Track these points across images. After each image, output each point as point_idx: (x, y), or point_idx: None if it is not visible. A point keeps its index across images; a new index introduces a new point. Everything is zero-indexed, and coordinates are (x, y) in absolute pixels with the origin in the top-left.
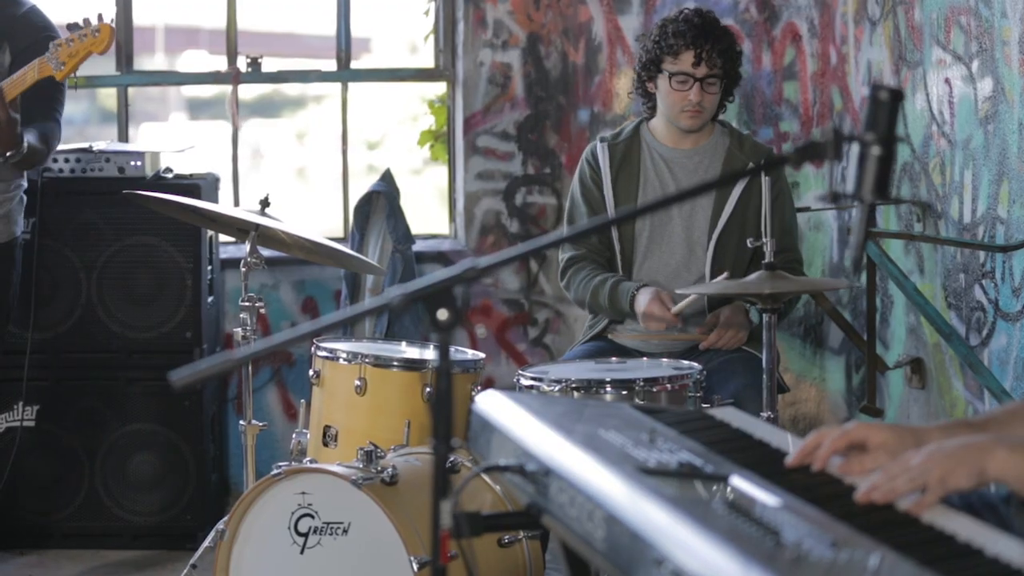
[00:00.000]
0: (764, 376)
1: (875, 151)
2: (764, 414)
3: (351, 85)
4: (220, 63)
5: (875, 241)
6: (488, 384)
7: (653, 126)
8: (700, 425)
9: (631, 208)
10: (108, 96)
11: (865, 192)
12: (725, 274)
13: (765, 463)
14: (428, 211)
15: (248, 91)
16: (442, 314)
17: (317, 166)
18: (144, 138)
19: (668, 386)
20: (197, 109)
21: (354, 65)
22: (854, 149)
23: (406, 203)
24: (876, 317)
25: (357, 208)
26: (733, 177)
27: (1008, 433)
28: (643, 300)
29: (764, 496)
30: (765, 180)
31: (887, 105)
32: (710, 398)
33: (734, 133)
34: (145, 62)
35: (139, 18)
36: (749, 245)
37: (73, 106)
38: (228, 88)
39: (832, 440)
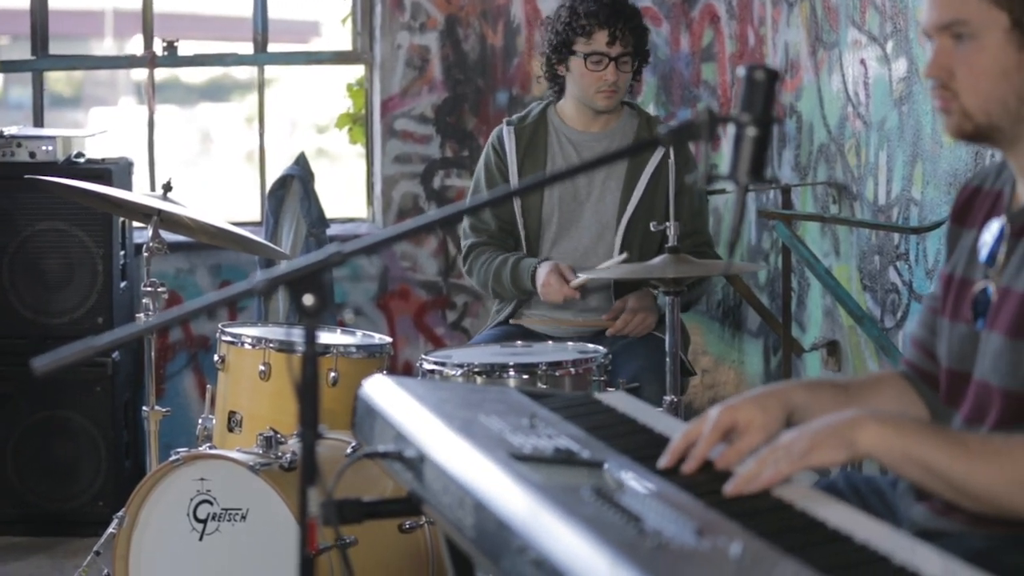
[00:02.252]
0: (667, 359)
1: (751, 132)
2: (667, 398)
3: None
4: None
5: (788, 224)
6: (406, 370)
7: (561, 109)
8: (585, 410)
9: (529, 180)
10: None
11: (741, 174)
12: (623, 255)
13: (645, 449)
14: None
15: (197, 75)
16: (308, 299)
17: (267, 150)
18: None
19: (572, 370)
20: (144, 93)
21: (272, 48)
22: (730, 130)
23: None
24: (792, 300)
25: (271, 192)
26: (616, 156)
27: (869, 399)
28: (542, 272)
29: (636, 483)
30: (672, 164)
31: (763, 86)
32: (615, 382)
33: (642, 115)
34: (95, 47)
35: (89, 3)
36: (652, 229)
37: (22, 90)
38: (181, 71)
39: (705, 441)
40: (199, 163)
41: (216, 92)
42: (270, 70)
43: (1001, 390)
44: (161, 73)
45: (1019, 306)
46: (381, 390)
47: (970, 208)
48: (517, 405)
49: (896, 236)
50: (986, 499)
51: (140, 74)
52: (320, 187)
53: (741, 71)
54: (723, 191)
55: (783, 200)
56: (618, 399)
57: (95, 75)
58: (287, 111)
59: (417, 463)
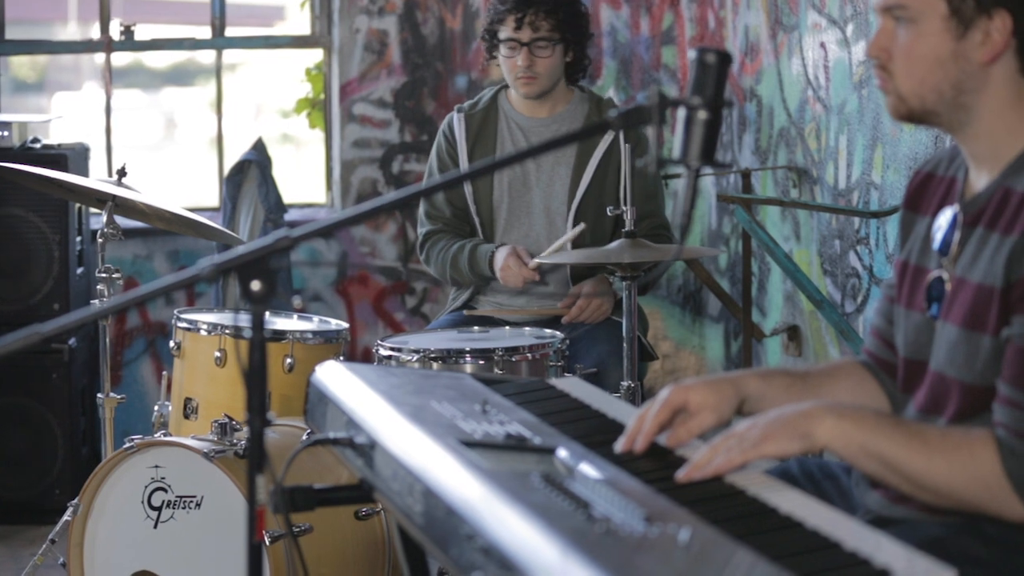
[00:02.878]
0: (624, 344)
1: (701, 115)
2: (624, 383)
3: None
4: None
5: (748, 208)
6: (365, 355)
7: (510, 95)
8: (538, 396)
9: (476, 165)
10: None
11: (692, 157)
12: (581, 226)
13: (597, 435)
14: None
15: (161, 60)
16: (255, 285)
17: (231, 135)
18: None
19: (529, 355)
20: (113, 77)
21: (230, 33)
22: (681, 113)
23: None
24: (753, 284)
25: (228, 178)
26: (564, 140)
27: (826, 388)
28: (500, 256)
29: (586, 469)
30: (625, 147)
31: (714, 68)
32: (572, 367)
33: (593, 99)
34: (59, 31)
35: None
36: (608, 213)
37: None
38: (146, 56)
39: (654, 417)
40: (163, 148)
41: (180, 77)
42: (236, 55)
43: (958, 383)
44: (124, 58)
45: (974, 297)
46: (333, 376)
47: (923, 194)
48: (470, 391)
49: (856, 220)
50: (945, 493)
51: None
52: (283, 173)
53: (692, 54)
54: (676, 176)
55: (743, 184)
56: (572, 385)
57: (59, 60)
58: (252, 96)
59: (368, 450)
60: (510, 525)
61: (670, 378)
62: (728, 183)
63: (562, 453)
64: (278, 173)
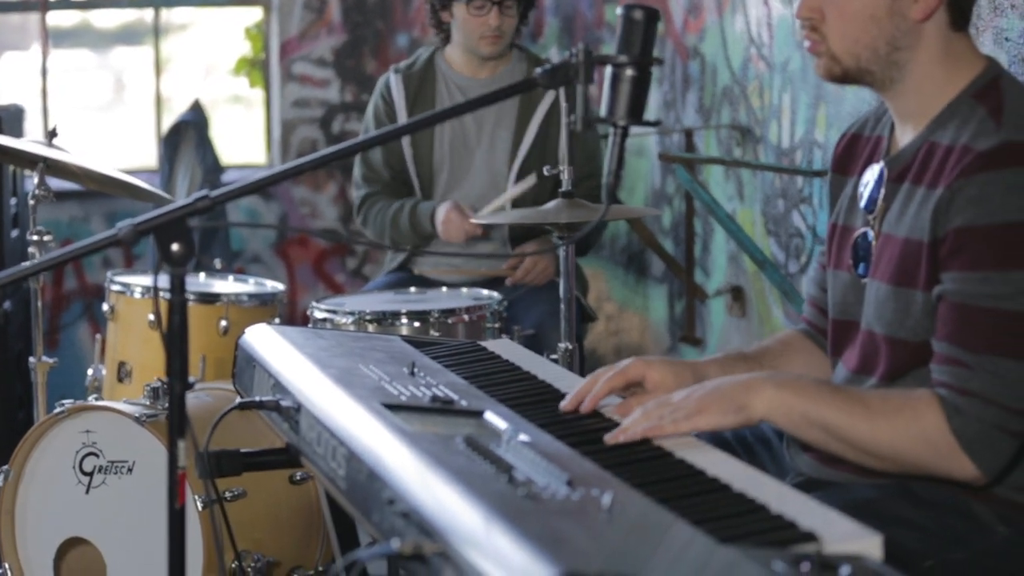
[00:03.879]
0: (562, 306)
1: (628, 73)
2: (562, 345)
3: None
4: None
5: (690, 168)
6: (305, 318)
7: (448, 55)
8: (469, 358)
9: (414, 121)
10: None
11: (618, 115)
12: (532, 179)
13: (526, 398)
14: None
15: (109, 19)
16: (174, 247)
17: (181, 96)
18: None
19: (465, 317)
20: (59, 39)
21: None
22: (608, 71)
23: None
24: (697, 244)
25: (166, 139)
26: (491, 99)
27: (782, 365)
28: (442, 211)
29: (512, 432)
30: (565, 107)
31: (641, 25)
32: (511, 329)
33: (532, 58)
34: None
35: None
36: (545, 173)
37: None
38: (94, 16)
39: (607, 380)
40: (111, 109)
41: (129, 37)
42: (186, 14)
43: (889, 340)
44: (72, 18)
45: (901, 252)
46: (261, 339)
47: (851, 155)
48: (399, 354)
49: (800, 179)
50: (890, 457)
51: (53, 19)
52: (230, 133)
53: (619, 10)
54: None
55: (686, 143)
56: (504, 347)
57: (8, 21)
58: (201, 56)
59: (293, 413)
60: (430, 489)
61: (614, 340)
62: (671, 142)
63: (489, 416)
64: (224, 134)
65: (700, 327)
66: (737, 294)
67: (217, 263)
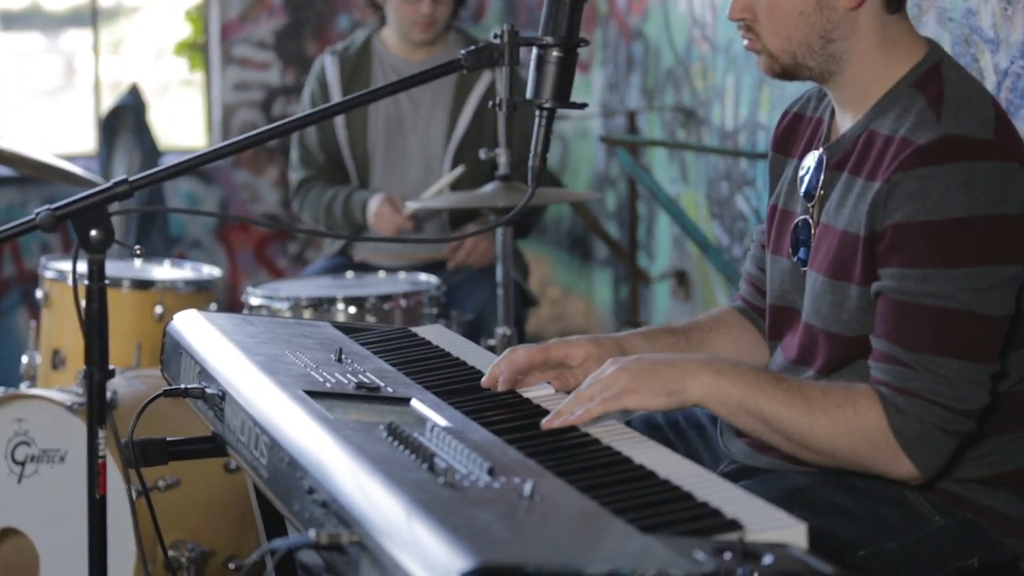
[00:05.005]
0: (500, 290)
1: (554, 55)
2: (500, 330)
3: None
4: None
5: (633, 150)
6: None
7: (384, 37)
8: (399, 344)
9: (345, 100)
10: None
11: (544, 97)
12: (460, 169)
13: (455, 384)
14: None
15: (59, 2)
16: (93, 232)
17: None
18: None
19: (403, 303)
20: (8, 22)
21: None
22: (534, 52)
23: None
24: (641, 228)
25: (104, 123)
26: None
27: (711, 341)
28: (374, 204)
29: (436, 420)
30: (501, 89)
31: (567, 6)
32: (449, 314)
33: (469, 40)
34: None
35: None
36: (482, 157)
37: None
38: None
39: (527, 353)
40: (62, 93)
41: (82, 20)
42: None
43: (825, 333)
44: (22, 1)
45: (839, 245)
46: (190, 325)
47: (791, 136)
48: (329, 340)
49: (744, 162)
50: (828, 452)
51: (2, 2)
52: (175, 117)
53: None
54: (566, 116)
55: (629, 125)
56: (435, 332)
57: None
58: (152, 39)
59: (218, 401)
60: (348, 477)
61: (558, 324)
62: (615, 124)
63: (415, 403)
64: (168, 118)
65: (645, 311)
66: (681, 278)
67: (137, 249)
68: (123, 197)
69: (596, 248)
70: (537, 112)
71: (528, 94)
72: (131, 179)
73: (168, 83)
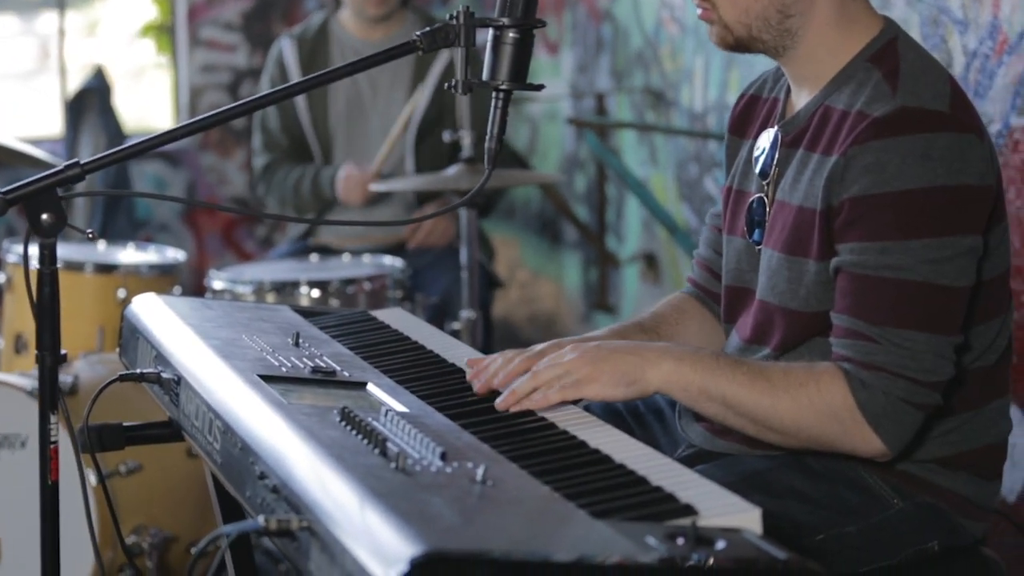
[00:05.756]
0: (463, 273)
1: (510, 36)
2: (464, 313)
3: None
4: None
5: (601, 132)
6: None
7: (342, 19)
8: (357, 328)
9: (302, 81)
10: None
11: (500, 79)
12: (410, 106)
13: (412, 369)
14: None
15: None
16: (45, 216)
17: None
18: None
19: (366, 286)
20: None
21: None
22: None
23: None
24: (610, 210)
25: (69, 106)
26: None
27: (679, 334)
28: (342, 172)
29: (392, 404)
30: (462, 69)
31: None
32: (414, 297)
33: (426, 19)
34: None
35: None
36: (445, 139)
37: None
38: None
39: (525, 362)
40: (38, 76)
41: (56, 2)
42: None
43: (782, 310)
44: None
45: (795, 220)
46: (148, 309)
47: (747, 118)
48: (287, 324)
49: (713, 144)
50: (793, 432)
51: None
52: (150, 100)
53: None
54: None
55: (598, 107)
56: (395, 316)
57: None
58: (127, 21)
59: (174, 385)
60: (298, 462)
61: (527, 307)
62: (585, 107)
63: (371, 388)
64: (142, 101)
65: (614, 294)
66: (650, 261)
67: (89, 233)
68: (74, 180)
69: (565, 231)
70: (493, 94)
71: (484, 76)
72: (83, 162)
73: (144, 66)
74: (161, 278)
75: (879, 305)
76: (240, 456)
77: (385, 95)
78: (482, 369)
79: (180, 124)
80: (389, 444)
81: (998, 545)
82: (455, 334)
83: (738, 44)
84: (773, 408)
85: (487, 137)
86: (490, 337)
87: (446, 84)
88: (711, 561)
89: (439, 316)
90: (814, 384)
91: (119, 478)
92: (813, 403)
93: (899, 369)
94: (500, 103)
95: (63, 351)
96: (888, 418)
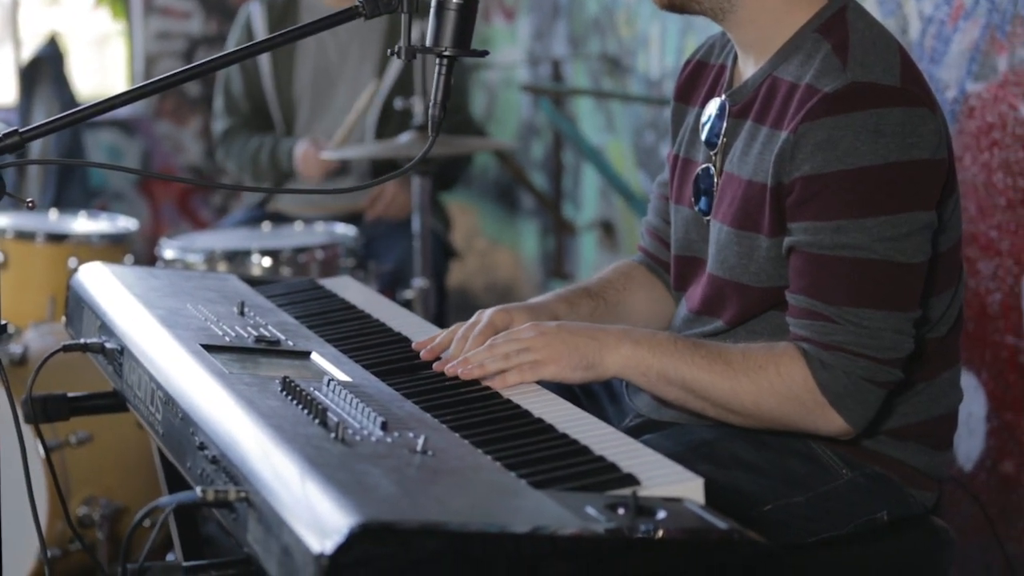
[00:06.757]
0: (416, 242)
1: (454, 2)
2: (417, 282)
3: None
4: None
5: (557, 99)
6: None
7: None
8: (304, 297)
9: (251, 46)
10: None
11: (443, 45)
12: (371, 87)
13: (358, 338)
14: None
15: None
16: None
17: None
18: None
19: (318, 254)
20: None
21: None
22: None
23: None
24: (568, 177)
25: (23, 74)
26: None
27: (626, 300)
28: (300, 148)
29: (335, 374)
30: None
31: None
32: (367, 265)
33: None
34: None
35: None
36: (397, 107)
37: None
38: None
39: (475, 339)
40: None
41: None
42: None
43: (734, 284)
44: None
45: (743, 194)
46: (94, 279)
47: (694, 84)
48: (233, 293)
49: (669, 110)
50: (754, 414)
51: None
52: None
53: None
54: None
55: (555, 74)
56: (342, 285)
57: None
58: None
59: (117, 355)
60: (237, 433)
61: (485, 276)
62: (542, 73)
63: (315, 357)
64: (101, 69)
65: (571, 262)
66: (608, 228)
67: (29, 202)
68: (13, 149)
69: (522, 199)
70: (437, 60)
71: (428, 42)
72: (21, 130)
73: (107, 34)
74: (113, 247)
75: (836, 285)
76: (181, 427)
77: (354, 66)
78: (436, 347)
79: (126, 89)
80: (330, 414)
81: (953, 514)
82: (407, 303)
83: (672, 5)
84: (733, 391)
85: (431, 104)
86: (444, 306)
87: (389, 51)
88: (660, 533)
89: (392, 285)
90: (774, 366)
91: (69, 449)
92: (773, 385)
93: (859, 348)
94: (444, 70)
95: (3, 322)
96: (850, 397)
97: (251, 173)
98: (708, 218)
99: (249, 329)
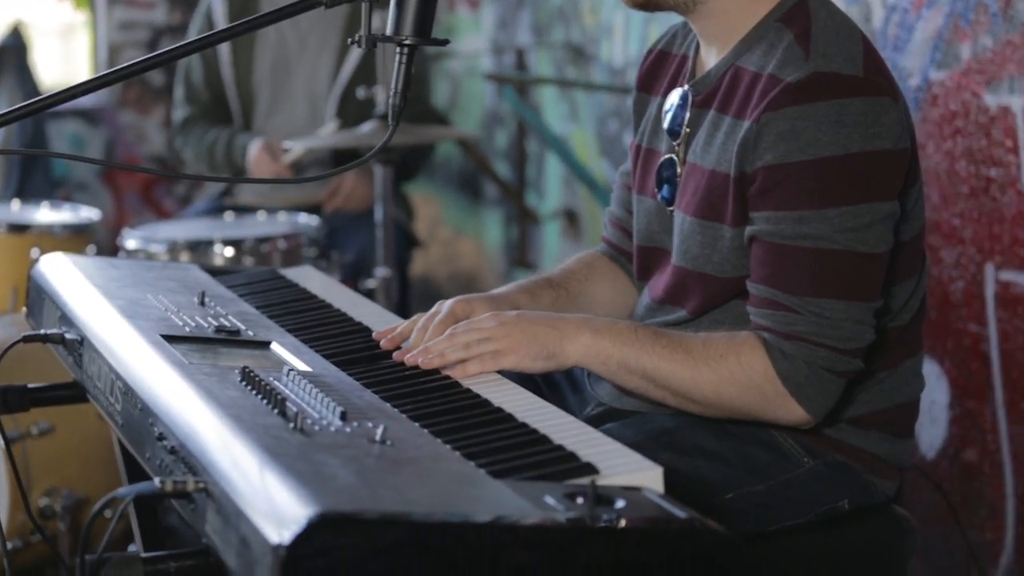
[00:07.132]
0: (378, 231)
1: None
2: (379, 271)
3: None
4: None
5: (521, 88)
6: None
7: None
8: (265, 287)
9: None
10: None
11: (404, 34)
12: (336, 122)
13: (317, 328)
14: None
15: None
16: None
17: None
18: None
19: (281, 244)
20: None
21: None
22: None
23: None
24: (531, 166)
25: None
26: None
27: (589, 290)
28: (253, 150)
29: (295, 364)
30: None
31: None
32: (330, 255)
33: None
34: None
35: None
36: (359, 96)
37: None
38: None
39: (435, 328)
40: None
41: None
42: None
43: (698, 274)
44: None
45: (706, 184)
46: (54, 269)
47: (656, 74)
48: (193, 283)
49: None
50: (715, 404)
51: None
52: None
53: None
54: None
55: (518, 63)
56: (304, 275)
57: None
58: None
59: (77, 346)
60: (195, 423)
61: (448, 266)
62: (505, 62)
63: (275, 347)
64: (63, 60)
65: (534, 251)
66: (571, 218)
67: None
68: None
69: (486, 188)
70: (397, 49)
71: (388, 31)
72: None
73: (75, 24)
74: (75, 237)
75: (797, 275)
76: (140, 417)
77: (313, 56)
78: (396, 336)
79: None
80: (289, 404)
81: (916, 502)
82: (369, 293)
83: (647, 2)
84: (693, 380)
85: (390, 93)
86: (406, 295)
87: (350, 40)
88: (622, 523)
89: (354, 275)
90: (734, 355)
91: (31, 440)
92: (734, 375)
93: (819, 338)
94: (404, 58)
95: None
96: (811, 387)
97: (207, 165)
98: (671, 208)
99: (209, 319)
